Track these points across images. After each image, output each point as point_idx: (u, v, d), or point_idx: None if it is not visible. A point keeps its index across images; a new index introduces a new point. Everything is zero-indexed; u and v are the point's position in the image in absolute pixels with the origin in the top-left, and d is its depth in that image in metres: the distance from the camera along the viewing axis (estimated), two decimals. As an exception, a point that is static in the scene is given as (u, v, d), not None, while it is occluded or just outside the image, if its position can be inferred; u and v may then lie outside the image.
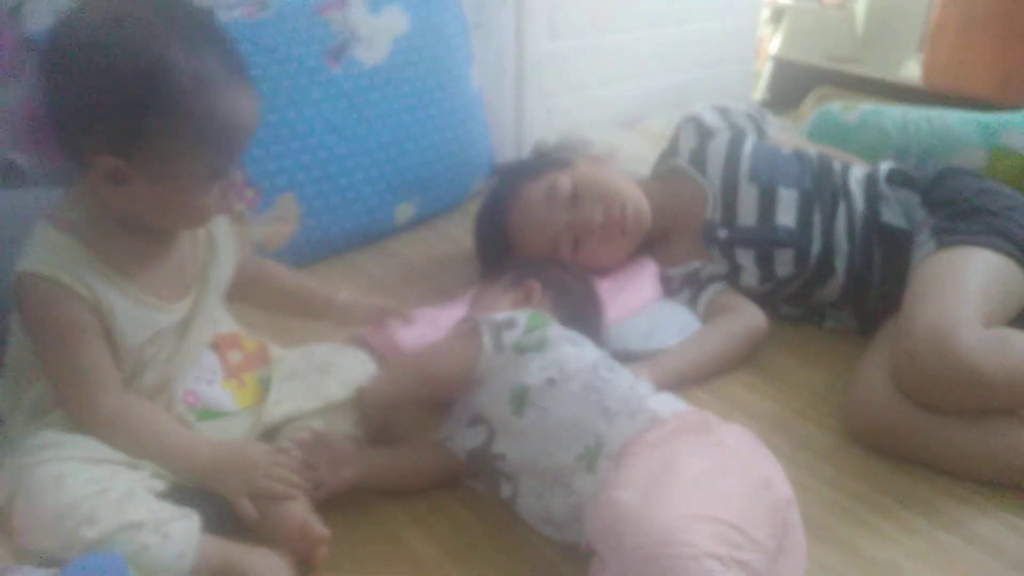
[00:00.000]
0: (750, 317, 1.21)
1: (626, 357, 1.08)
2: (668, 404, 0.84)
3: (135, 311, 0.84)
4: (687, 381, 1.11)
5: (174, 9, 0.78)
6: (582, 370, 0.86)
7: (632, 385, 0.85)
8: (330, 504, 0.90)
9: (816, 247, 1.24)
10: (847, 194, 1.26)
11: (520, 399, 0.85)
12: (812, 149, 1.43)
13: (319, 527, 0.83)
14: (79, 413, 0.82)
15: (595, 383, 0.84)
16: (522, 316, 0.93)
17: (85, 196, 0.83)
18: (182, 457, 0.85)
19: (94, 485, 0.75)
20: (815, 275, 1.25)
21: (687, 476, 0.72)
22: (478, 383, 0.90)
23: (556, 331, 0.93)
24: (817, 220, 1.25)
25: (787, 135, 1.64)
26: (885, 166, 1.32)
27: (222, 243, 0.96)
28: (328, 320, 1.11)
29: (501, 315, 0.93)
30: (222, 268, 0.96)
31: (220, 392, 0.96)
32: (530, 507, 0.86)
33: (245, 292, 1.05)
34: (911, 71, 2.65)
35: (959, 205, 1.18)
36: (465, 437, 0.91)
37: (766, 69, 2.92)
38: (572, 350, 0.90)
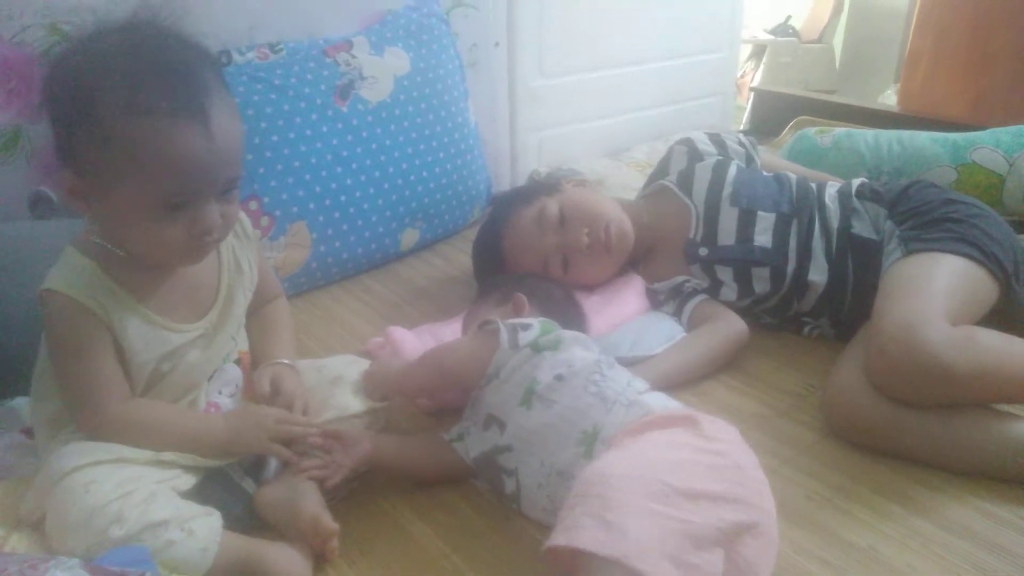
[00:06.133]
0: (732, 324, 1.28)
1: (616, 364, 1.16)
2: (661, 401, 0.89)
3: (145, 330, 0.88)
4: (673, 384, 1.17)
5: (141, 45, 0.81)
6: (586, 368, 0.91)
7: (629, 381, 0.91)
8: (342, 502, 0.96)
9: (792, 266, 1.30)
10: (823, 209, 1.33)
11: (530, 393, 0.90)
12: (793, 172, 1.51)
13: (329, 521, 0.88)
14: (87, 421, 0.87)
15: (595, 377, 0.90)
16: (534, 321, 0.99)
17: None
18: (201, 435, 0.91)
19: (120, 488, 0.79)
20: (791, 292, 1.32)
21: (648, 448, 0.77)
22: (495, 383, 0.94)
23: (568, 334, 0.98)
24: (793, 240, 1.31)
25: (779, 159, 1.72)
26: (856, 181, 1.38)
27: (247, 270, 1.02)
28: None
29: (516, 320, 0.99)
30: (246, 293, 1.02)
31: (241, 405, 1.01)
32: (533, 497, 0.89)
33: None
34: (889, 100, 2.74)
35: (925, 215, 1.24)
36: (480, 439, 0.95)
37: (749, 103, 3.03)
38: (580, 351, 0.95)
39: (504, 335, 0.95)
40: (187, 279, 0.94)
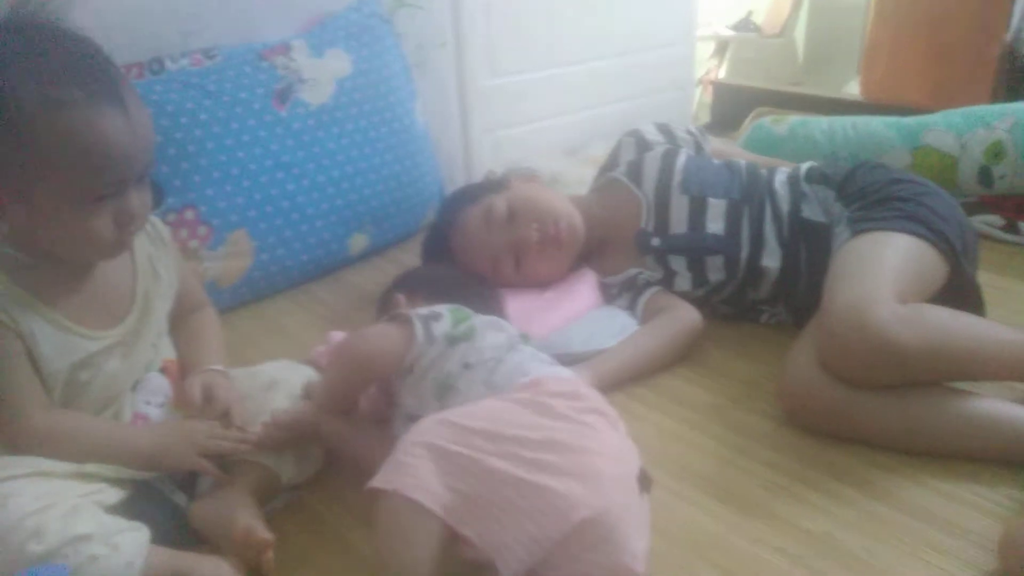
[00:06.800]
0: (685, 315, 1.25)
1: (569, 360, 1.13)
2: (545, 373, 0.88)
3: (57, 337, 0.86)
4: (627, 378, 1.16)
5: (38, 41, 0.80)
6: (490, 355, 0.89)
7: (521, 362, 0.89)
8: (279, 513, 0.94)
9: (745, 252, 1.29)
10: (773, 195, 1.32)
11: (443, 386, 0.88)
12: (744, 158, 1.50)
13: (263, 532, 0.85)
14: (8, 434, 0.84)
15: (490, 364, 0.88)
16: (443, 309, 0.95)
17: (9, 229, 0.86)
18: (126, 448, 0.88)
19: (39, 501, 0.76)
20: (745, 279, 1.30)
21: (472, 406, 0.80)
22: (410, 379, 0.91)
23: (479, 320, 0.95)
24: (745, 227, 1.30)
25: (728, 145, 1.71)
26: (805, 165, 1.37)
27: (164, 276, 1.00)
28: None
29: (424, 309, 0.95)
30: (164, 299, 1.00)
31: (170, 416, 0.98)
32: None
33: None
34: (852, 92, 2.76)
35: (872, 195, 1.23)
36: None
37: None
38: (492, 335, 0.93)
39: (418, 327, 0.92)
40: (100, 285, 0.92)
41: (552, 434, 0.75)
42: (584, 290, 1.35)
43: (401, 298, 1.07)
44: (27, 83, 0.76)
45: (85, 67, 0.80)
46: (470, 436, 0.74)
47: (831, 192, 1.30)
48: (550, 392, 0.81)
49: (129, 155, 0.82)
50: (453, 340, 0.91)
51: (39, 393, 0.86)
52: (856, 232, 1.16)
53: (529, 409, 0.78)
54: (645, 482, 0.80)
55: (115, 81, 0.82)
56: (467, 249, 1.35)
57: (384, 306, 1.13)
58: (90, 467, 0.84)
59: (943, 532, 0.88)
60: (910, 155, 1.66)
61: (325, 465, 1.01)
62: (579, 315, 1.29)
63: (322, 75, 1.52)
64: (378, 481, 0.73)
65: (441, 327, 0.92)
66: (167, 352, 1.03)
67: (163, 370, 1.01)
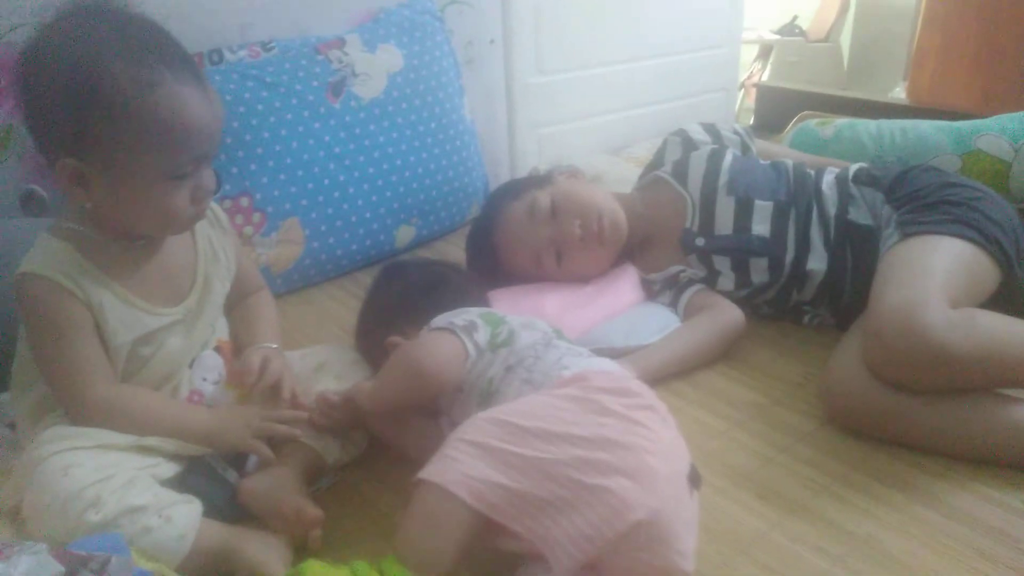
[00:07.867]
0: (727, 313, 1.26)
1: (610, 355, 1.13)
2: (588, 365, 0.87)
3: (123, 311, 0.89)
4: (667, 374, 1.16)
5: (119, 24, 0.83)
6: (526, 354, 0.90)
7: (560, 358, 0.88)
8: (325, 492, 0.96)
9: (790, 255, 1.28)
10: (820, 197, 1.31)
11: (485, 393, 0.88)
12: (791, 158, 1.48)
13: (313, 509, 0.87)
14: (73, 403, 0.87)
15: (528, 363, 0.88)
16: (475, 317, 0.94)
17: (80, 208, 0.89)
18: (184, 426, 0.91)
19: (99, 473, 0.79)
20: (789, 281, 1.29)
21: (522, 401, 0.81)
22: (461, 398, 0.90)
23: (514, 321, 0.95)
24: (791, 230, 1.29)
25: (775, 146, 1.70)
26: (855, 166, 1.36)
27: (223, 258, 1.03)
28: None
29: (458, 319, 0.93)
30: (223, 280, 1.03)
31: (224, 393, 1.01)
32: None
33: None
34: (898, 97, 2.72)
35: (923, 199, 1.21)
36: None
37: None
38: (527, 335, 0.93)
39: (468, 343, 0.91)
40: (164, 265, 0.95)
41: (603, 431, 0.74)
42: (626, 286, 1.35)
43: (396, 338, 1.01)
44: (118, 63, 0.79)
45: (166, 48, 0.83)
46: (521, 433, 0.74)
47: (880, 194, 1.28)
48: (598, 388, 0.80)
49: (210, 132, 0.86)
50: (495, 348, 0.91)
51: (105, 365, 0.89)
52: (906, 235, 1.15)
53: (578, 405, 0.78)
54: (695, 480, 0.80)
55: (193, 61, 0.85)
56: (510, 243, 1.36)
57: (371, 349, 1.07)
58: (149, 441, 0.87)
59: (991, 539, 0.87)
60: (959, 160, 1.62)
61: (369, 447, 1.03)
62: (620, 311, 1.29)
63: (374, 70, 1.55)
64: (425, 472, 0.74)
65: (481, 336, 0.92)
66: (221, 332, 1.06)
67: (217, 349, 1.03)
